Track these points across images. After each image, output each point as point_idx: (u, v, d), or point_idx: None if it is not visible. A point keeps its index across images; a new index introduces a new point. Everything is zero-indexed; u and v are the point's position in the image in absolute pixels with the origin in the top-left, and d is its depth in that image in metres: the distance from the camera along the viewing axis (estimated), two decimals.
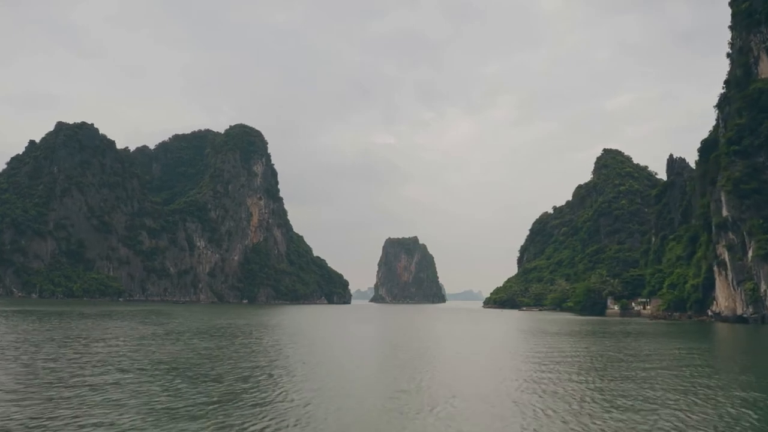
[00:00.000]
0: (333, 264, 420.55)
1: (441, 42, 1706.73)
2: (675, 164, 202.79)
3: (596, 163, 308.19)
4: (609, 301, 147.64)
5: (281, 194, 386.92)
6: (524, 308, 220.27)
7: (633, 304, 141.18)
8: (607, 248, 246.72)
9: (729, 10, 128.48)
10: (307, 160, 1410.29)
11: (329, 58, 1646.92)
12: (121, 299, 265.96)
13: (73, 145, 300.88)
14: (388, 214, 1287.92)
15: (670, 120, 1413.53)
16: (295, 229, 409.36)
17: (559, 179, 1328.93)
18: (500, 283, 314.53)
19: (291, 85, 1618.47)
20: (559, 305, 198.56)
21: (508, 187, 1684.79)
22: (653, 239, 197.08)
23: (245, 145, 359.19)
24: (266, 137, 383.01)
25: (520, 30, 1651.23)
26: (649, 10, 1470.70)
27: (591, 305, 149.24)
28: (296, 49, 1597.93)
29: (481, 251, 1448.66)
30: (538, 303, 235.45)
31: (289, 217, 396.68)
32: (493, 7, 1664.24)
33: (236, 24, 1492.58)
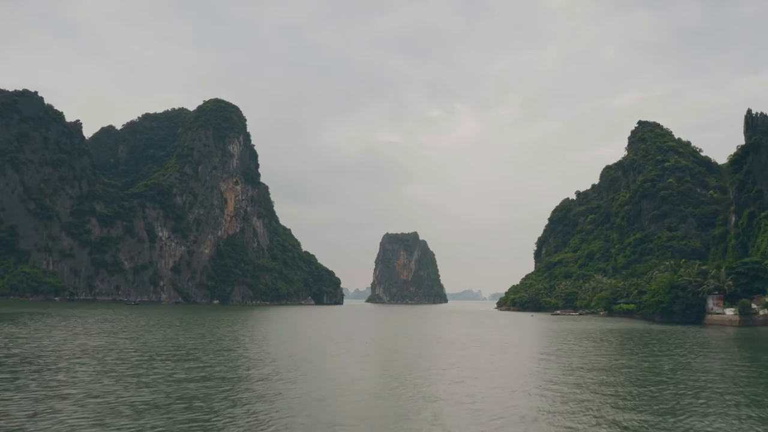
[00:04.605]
0: (331, 263, 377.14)
1: (451, 38, 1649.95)
2: (757, 122, 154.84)
3: (630, 137, 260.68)
4: (711, 302, 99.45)
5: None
6: (558, 312, 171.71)
7: (754, 305, 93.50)
8: (654, 236, 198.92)
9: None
10: (309, 158, 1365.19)
11: (336, 55, 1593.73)
12: (57, 298, 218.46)
13: (11, 116, 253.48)
14: (389, 212, 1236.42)
15: (677, 117, 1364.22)
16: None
17: (564, 177, 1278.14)
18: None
19: (296, 82, 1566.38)
20: (607, 308, 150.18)
21: (511, 186, 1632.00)
22: (733, 219, 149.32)
23: (219, 121, 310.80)
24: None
25: (528, 27, 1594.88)
26: (656, 8, 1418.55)
27: (684, 309, 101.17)
28: (302, 46, 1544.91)
29: (480, 250, 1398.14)
30: (569, 304, 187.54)
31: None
32: (501, 3, 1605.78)
33: (240, 20, 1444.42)
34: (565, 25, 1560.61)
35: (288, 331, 77.38)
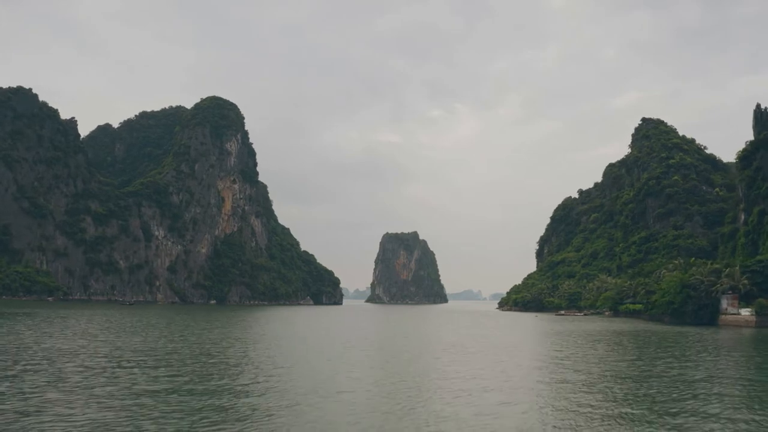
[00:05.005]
0: (331, 263, 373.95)
1: (451, 38, 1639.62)
2: (767, 117, 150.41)
3: (634, 134, 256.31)
4: (725, 302, 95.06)
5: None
6: (562, 312, 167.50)
7: None
8: (660, 235, 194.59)
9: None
10: (309, 158, 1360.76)
11: (336, 55, 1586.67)
12: (50, 298, 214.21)
13: (5, 113, 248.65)
14: (389, 212, 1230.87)
15: (677, 117, 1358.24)
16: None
17: (564, 177, 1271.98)
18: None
19: (296, 82, 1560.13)
20: (613, 308, 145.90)
21: (511, 186, 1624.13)
22: (742, 216, 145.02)
23: (217, 119, 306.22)
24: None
25: (528, 27, 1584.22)
26: (656, 8, 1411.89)
27: (696, 309, 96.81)
28: (302, 46, 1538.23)
29: (480, 250, 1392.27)
30: (572, 304, 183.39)
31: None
32: (501, 3, 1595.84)
33: (240, 20, 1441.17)
34: (565, 25, 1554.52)
35: (280, 332, 73.09)
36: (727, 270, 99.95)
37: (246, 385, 28.78)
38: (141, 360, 37.50)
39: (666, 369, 37.87)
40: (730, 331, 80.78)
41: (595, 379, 32.95)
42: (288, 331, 77.56)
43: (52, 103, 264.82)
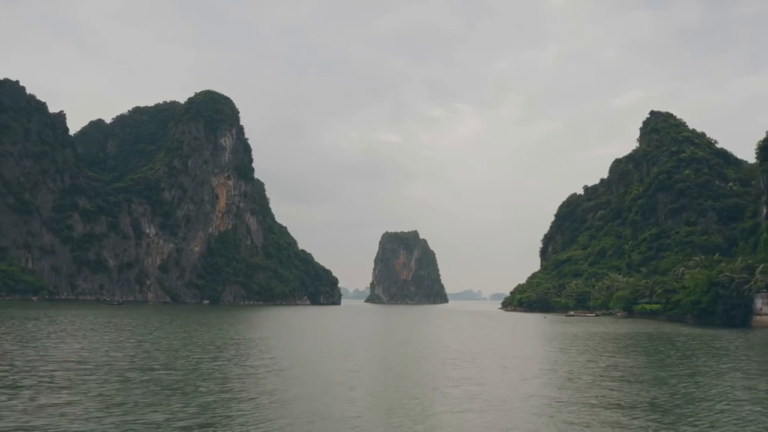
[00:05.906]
0: (331, 262, 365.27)
1: (451, 38, 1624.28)
2: None
3: (642, 127, 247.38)
4: (759, 302, 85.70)
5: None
6: (571, 313, 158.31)
7: None
8: (672, 231, 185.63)
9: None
10: (309, 158, 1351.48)
11: (336, 55, 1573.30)
12: (35, 298, 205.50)
13: None
14: (389, 212, 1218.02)
15: (678, 117, 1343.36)
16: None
17: (564, 177, 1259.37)
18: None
19: (296, 82, 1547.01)
20: (627, 308, 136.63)
21: (511, 186, 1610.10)
22: (764, 210, 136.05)
23: (211, 113, 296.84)
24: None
25: (528, 27, 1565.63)
26: (656, 8, 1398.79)
27: (727, 309, 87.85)
28: (302, 46, 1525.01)
29: (480, 250, 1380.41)
30: (581, 304, 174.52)
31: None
32: (501, 3, 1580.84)
33: (240, 20, 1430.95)
34: (565, 25, 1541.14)
35: (259, 335, 63.99)
36: (761, 266, 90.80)
37: (164, 423, 19.52)
38: (51, 376, 28.41)
39: (749, 387, 28.83)
40: None
41: (666, 404, 23.91)
42: (271, 333, 68.52)
43: (52, 104, 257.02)
